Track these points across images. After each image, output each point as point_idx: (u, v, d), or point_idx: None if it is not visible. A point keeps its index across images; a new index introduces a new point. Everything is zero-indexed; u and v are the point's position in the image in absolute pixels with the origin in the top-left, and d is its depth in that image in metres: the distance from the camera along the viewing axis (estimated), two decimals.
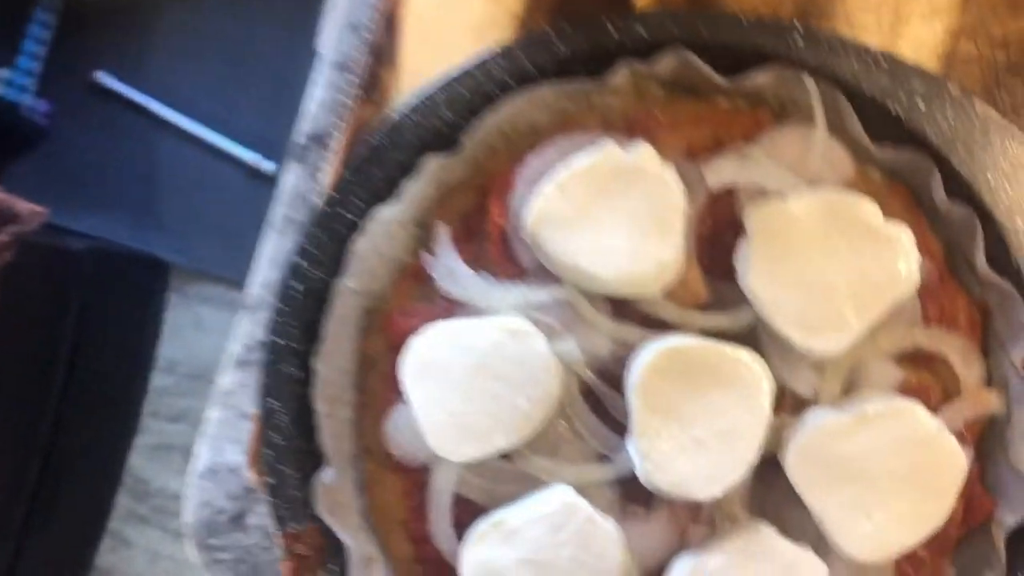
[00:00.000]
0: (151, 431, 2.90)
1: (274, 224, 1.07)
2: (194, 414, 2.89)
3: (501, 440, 0.87)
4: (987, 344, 0.91)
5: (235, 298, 2.92)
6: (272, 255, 1.06)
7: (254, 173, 2.71)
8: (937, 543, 0.88)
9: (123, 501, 2.81)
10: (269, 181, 2.65)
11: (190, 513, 1.04)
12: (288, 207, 1.07)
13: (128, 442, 2.87)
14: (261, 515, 1.03)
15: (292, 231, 1.06)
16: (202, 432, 1.04)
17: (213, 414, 1.05)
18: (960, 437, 0.87)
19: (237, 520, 1.03)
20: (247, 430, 1.04)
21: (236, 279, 2.86)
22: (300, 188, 1.07)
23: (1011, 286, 0.87)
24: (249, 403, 1.04)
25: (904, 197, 0.92)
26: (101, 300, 2.61)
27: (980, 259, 0.88)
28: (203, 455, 1.04)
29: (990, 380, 0.91)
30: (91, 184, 2.83)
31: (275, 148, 2.68)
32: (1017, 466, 0.87)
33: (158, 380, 2.92)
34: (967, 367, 0.89)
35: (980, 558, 0.89)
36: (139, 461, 2.84)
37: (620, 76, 0.92)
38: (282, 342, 0.91)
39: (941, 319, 0.90)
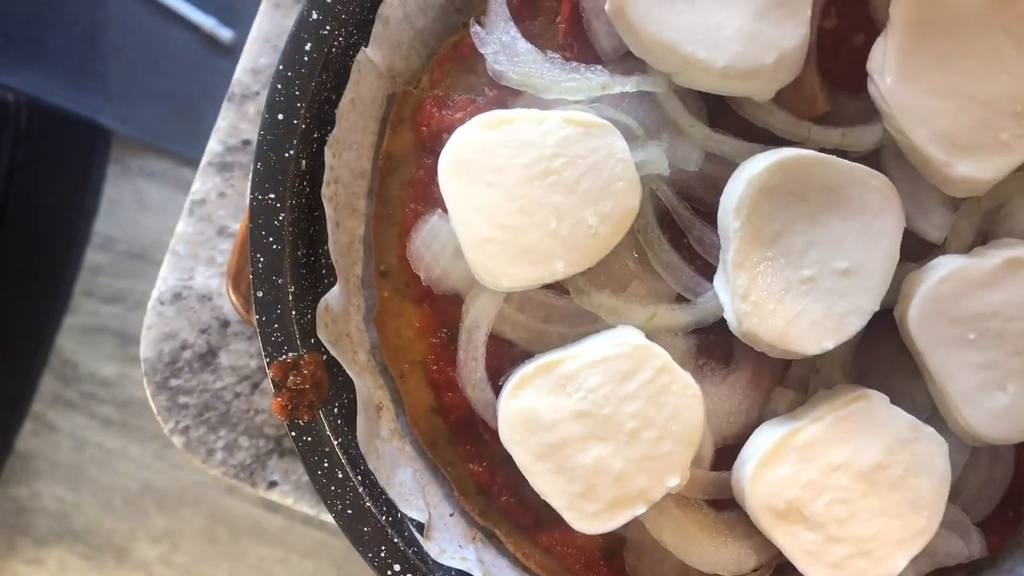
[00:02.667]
0: (83, 311, 2.69)
1: None
2: (131, 297, 2.68)
3: (560, 265, 0.69)
4: None
5: (182, 175, 2.68)
6: (266, 34, 0.84)
7: (210, 40, 2.47)
8: None
9: (49, 384, 2.62)
10: (226, 51, 2.41)
11: (148, 346, 0.83)
12: None
13: (57, 321, 2.67)
14: (236, 354, 0.83)
15: (293, 5, 0.84)
16: (168, 249, 0.83)
17: (181, 227, 0.84)
18: None
19: (206, 358, 0.83)
20: (224, 249, 0.83)
21: (184, 154, 2.64)
22: None
23: None
24: (228, 216, 0.83)
25: None
26: (34, 161, 2.38)
27: None
28: (168, 276, 0.84)
29: None
30: (29, 37, 2.56)
31: (236, 14, 2.43)
32: None
33: (93, 257, 2.71)
34: None
35: None
36: (68, 343, 2.64)
37: None
38: (284, 119, 0.70)
39: None
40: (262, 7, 0.85)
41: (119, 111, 2.54)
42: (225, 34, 2.41)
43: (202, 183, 0.84)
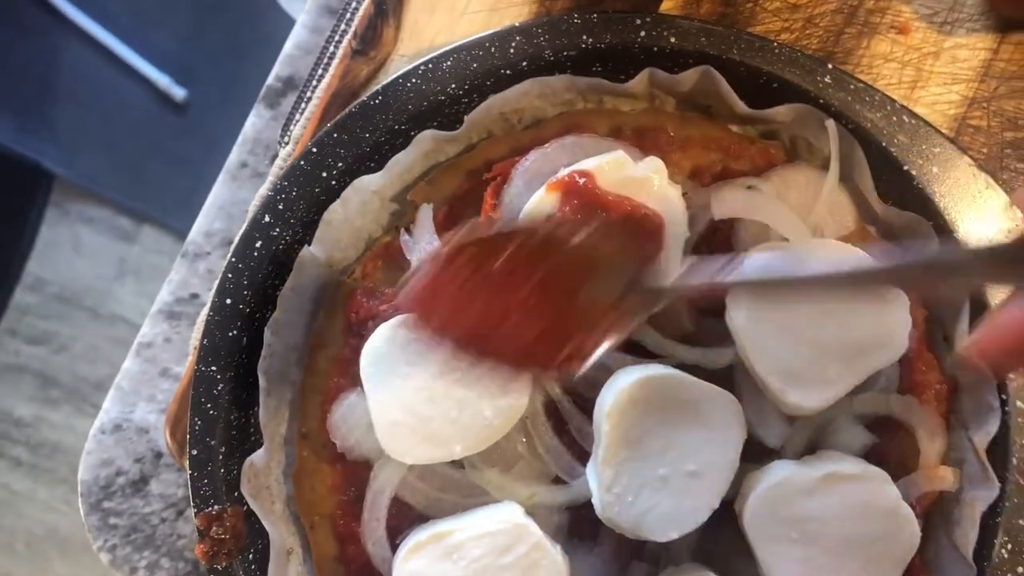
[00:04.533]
0: (5, 349, 2.70)
1: (229, 169, 0.96)
2: (56, 339, 2.70)
3: (458, 448, 0.81)
4: (949, 421, 0.90)
5: (121, 223, 2.72)
6: (221, 202, 0.96)
7: (162, 97, 2.52)
8: None
9: None
10: (178, 109, 2.48)
11: (86, 470, 0.93)
12: (248, 153, 0.96)
13: None
14: (166, 483, 0.93)
15: (248, 179, 0.96)
16: (114, 384, 0.93)
17: (127, 365, 0.94)
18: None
19: (138, 485, 0.93)
20: (165, 389, 0.93)
21: (124, 203, 2.68)
22: (264, 135, 0.97)
23: (987, 367, 0.86)
24: (172, 359, 0.94)
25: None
26: None
27: (963, 334, 0.86)
28: (111, 409, 0.93)
29: (946, 458, 0.90)
30: None
31: (190, 74, 2.50)
32: (960, 547, 0.86)
33: (22, 297, 2.72)
34: (930, 441, 0.88)
35: None
36: None
37: (639, 82, 0.87)
38: (231, 303, 0.81)
39: (915, 390, 0.88)
40: (219, 178, 0.96)
41: (64, 156, 2.57)
42: (178, 93, 2.47)
43: (150, 328, 0.94)
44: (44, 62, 2.57)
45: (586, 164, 0.82)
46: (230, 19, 2.49)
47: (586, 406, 0.86)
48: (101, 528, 0.92)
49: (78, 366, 2.69)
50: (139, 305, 2.73)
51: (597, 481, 0.81)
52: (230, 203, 0.95)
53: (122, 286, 2.75)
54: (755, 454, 0.87)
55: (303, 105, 0.91)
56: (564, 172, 0.81)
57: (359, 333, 0.85)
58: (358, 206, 0.85)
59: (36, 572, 2.62)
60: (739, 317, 0.83)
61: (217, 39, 2.53)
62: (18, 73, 2.59)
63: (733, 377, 0.88)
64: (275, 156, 0.93)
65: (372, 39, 0.91)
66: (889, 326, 0.83)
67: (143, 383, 0.94)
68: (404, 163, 0.85)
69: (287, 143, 0.92)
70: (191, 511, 0.93)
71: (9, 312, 2.72)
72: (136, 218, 2.75)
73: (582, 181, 0.80)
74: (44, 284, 2.75)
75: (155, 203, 2.61)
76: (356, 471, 0.86)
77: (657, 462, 0.81)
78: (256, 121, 0.97)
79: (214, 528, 0.80)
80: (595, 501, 0.82)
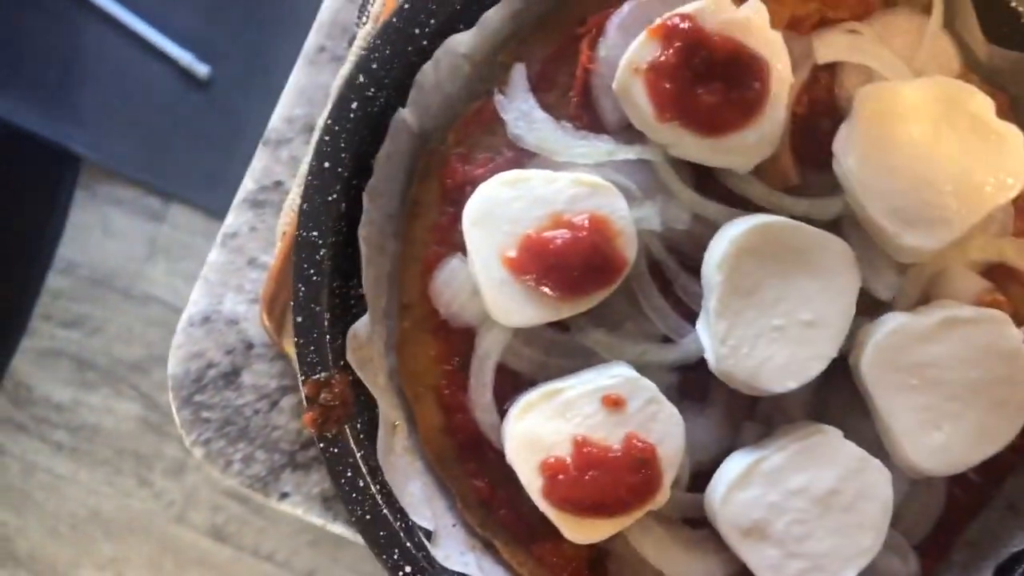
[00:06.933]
0: (40, 334, 2.68)
1: (307, 54, 0.94)
2: (90, 322, 2.68)
3: (566, 307, 0.79)
4: None
5: (149, 204, 2.71)
6: (301, 88, 0.94)
7: (186, 75, 2.51)
8: (992, 467, 0.85)
9: (0, 406, 2.60)
10: (201, 86, 2.46)
11: (176, 364, 0.91)
12: (325, 36, 0.94)
13: (13, 343, 2.65)
14: (258, 374, 0.91)
15: (327, 63, 0.94)
16: (200, 276, 0.91)
17: (212, 257, 0.92)
18: None
19: (230, 377, 0.91)
20: (253, 279, 0.92)
21: (152, 183, 2.68)
22: (341, 16, 0.95)
23: None
24: (258, 248, 0.92)
25: (1003, 105, 0.87)
26: (2, 183, 2.40)
27: None
28: (199, 300, 0.92)
29: None
30: (5, 62, 2.58)
31: (213, 50, 2.49)
32: None
33: (55, 281, 2.71)
34: None
35: None
36: (23, 365, 2.63)
37: None
38: (329, 167, 0.79)
39: None
40: (298, 63, 0.94)
41: (91, 139, 2.56)
42: (202, 70, 2.46)
43: (235, 217, 0.92)
44: (67, 45, 2.56)
45: (685, 8, 0.80)
46: None
47: (692, 265, 0.84)
48: (194, 422, 0.91)
49: (113, 348, 2.68)
50: (171, 284, 2.72)
51: (710, 335, 0.79)
52: (310, 88, 0.93)
53: (153, 266, 2.74)
54: (867, 307, 0.85)
55: None
56: (663, 18, 0.79)
57: (455, 200, 0.83)
58: (449, 69, 0.83)
59: (82, 555, 2.60)
60: (849, 161, 0.81)
61: (238, 13, 2.52)
62: (42, 57, 2.58)
63: (841, 229, 0.85)
64: (353, 38, 0.91)
65: None
66: (1005, 161, 0.80)
67: (230, 274, 0.92)
68: (494, 21, 0.83)
69: (366, 22, 0.90)
70: (284, 402, 0.92)
71: (42, 297, 2.71)
72: (164, 197, 2.74)
73: (684, 24, 0.78)
74: (75, 267, 2.74)
75: (183, 182, 2.60)
76: (459, 340, 0.84)
77: (772, 312, 0.79)
78: (332, 3, 0.95)
79: (322, 395, 0.78)
80: (708, 356, 0.79)
